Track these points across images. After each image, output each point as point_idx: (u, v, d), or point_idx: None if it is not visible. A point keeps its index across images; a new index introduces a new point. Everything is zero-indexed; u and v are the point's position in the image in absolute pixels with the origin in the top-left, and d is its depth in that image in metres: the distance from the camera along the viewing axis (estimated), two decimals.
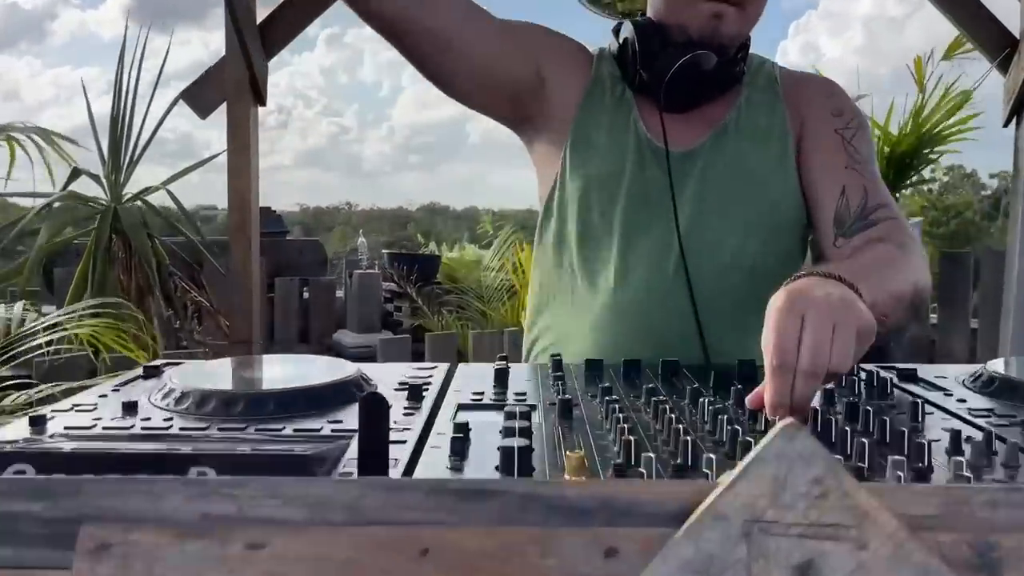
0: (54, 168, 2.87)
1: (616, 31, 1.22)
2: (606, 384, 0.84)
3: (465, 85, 1.17)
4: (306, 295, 4.52)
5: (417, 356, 2.98)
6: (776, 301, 0.75)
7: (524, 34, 1.20)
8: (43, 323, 1.97)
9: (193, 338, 2.94)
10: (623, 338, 1.12)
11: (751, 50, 1.22)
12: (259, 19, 3.03)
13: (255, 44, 2.96)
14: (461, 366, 1.04)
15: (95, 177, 2.77)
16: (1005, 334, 2.93)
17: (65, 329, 1.90)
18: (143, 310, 2.77)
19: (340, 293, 4.70)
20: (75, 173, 2.82)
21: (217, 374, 0.93)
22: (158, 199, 3.07)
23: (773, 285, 0.83)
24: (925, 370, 1.01)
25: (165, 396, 0.79)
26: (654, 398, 0.78)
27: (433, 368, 1.02)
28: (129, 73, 2.81)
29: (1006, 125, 2.94)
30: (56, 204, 2.68)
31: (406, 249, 5.13)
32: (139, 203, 2.82)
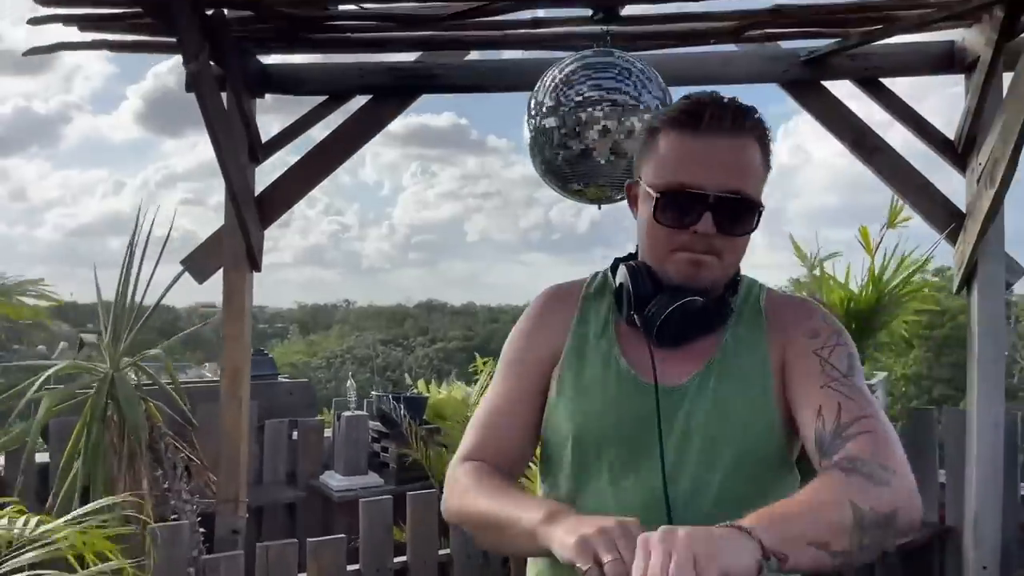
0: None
1: (614, 269, 1.29)
2: None
3: None
4: (295, 436, 4.55)
5: (398, 506, 3.00)
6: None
7: (530, 385, 1.31)
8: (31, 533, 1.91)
9: (181, 497, 2.97)
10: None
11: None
12: (257, 191, 3.21)
13: (252, 216, 3.11)
14: None
15: (95, 346, 2.88)
16: (970, 488, 3.00)
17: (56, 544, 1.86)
18: (133, 472, 2.82)
19: (328, 432, 4.73)
20: (81, 343, 2.94)
21: None
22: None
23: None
24: None
25: None
26: None
27: None
28: (133, 255, 2.94)
29: (958, 292, 3.09)
30: (63, 371, 2.78)
31: (394, 391, 5.17)
32: (135, 369, 2.91)
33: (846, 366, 1.17)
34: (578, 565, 0.93)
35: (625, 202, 1.35)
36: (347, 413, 4.54)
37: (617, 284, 1.26)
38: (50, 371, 2.73)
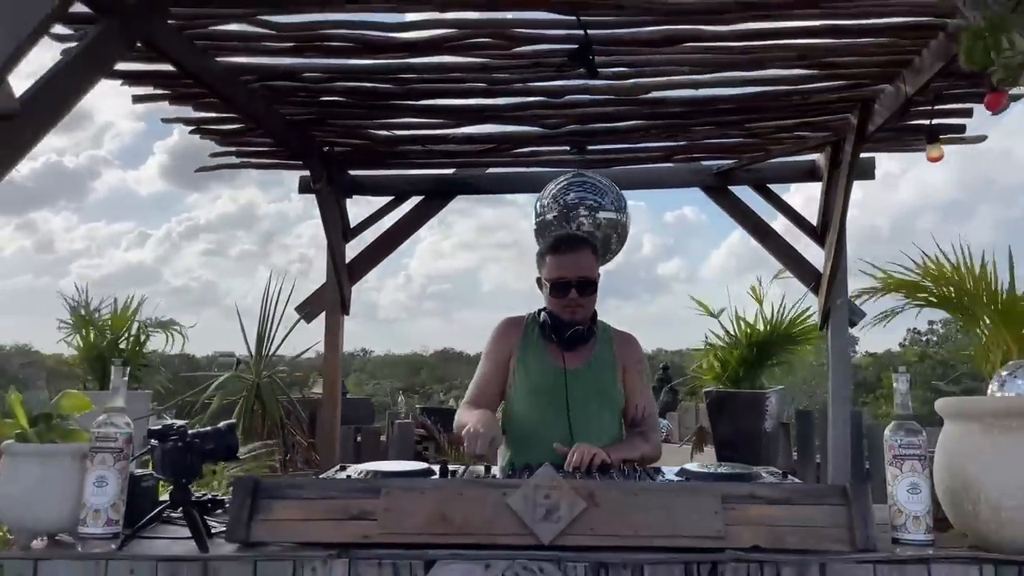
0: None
1: (539, 312, 2.50)
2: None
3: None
4: (359, 439, 5.77)
5: None
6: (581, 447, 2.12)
7: (495, 368, 2.49)
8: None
9: (297, 467, 4.18)
10: (546, 458, 2.18)
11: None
12: (348, 259, 4.48)
13: (344, 277, 4.38)
14: None
15: (246, 364, 4.14)
16: (830, 465, 4.15)
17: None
18: (269, 449, 4.05)
19: (384, 437, 5.94)
20: (237, 362, 4.20)
21: (369, 468, 2.20)
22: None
23: (606, 438, 2.22)
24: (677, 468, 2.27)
25: (357, 475, 2.07)
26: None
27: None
28: (269, 307, 4.25)
29: (821, 329, 4.29)
30: (225, 380, 4.04)
31: (430, 403, 6.39)
32: (272, 379, 4.17)
33: (647, 380, 2.52)
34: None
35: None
36: (399, 421, 5.75)
37: (542, 322, 2.47)
38: (218, 380, 3.99)
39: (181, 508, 1.72)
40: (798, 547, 1.61)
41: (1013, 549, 1.55)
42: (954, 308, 1.88)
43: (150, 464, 1.86)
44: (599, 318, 2.54)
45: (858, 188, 4.34)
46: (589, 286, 2.43)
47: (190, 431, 1.71)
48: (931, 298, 1.91)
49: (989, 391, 1.72)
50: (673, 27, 2.54)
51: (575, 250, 2.45)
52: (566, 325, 2.42)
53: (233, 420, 1.80)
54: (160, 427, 1.70)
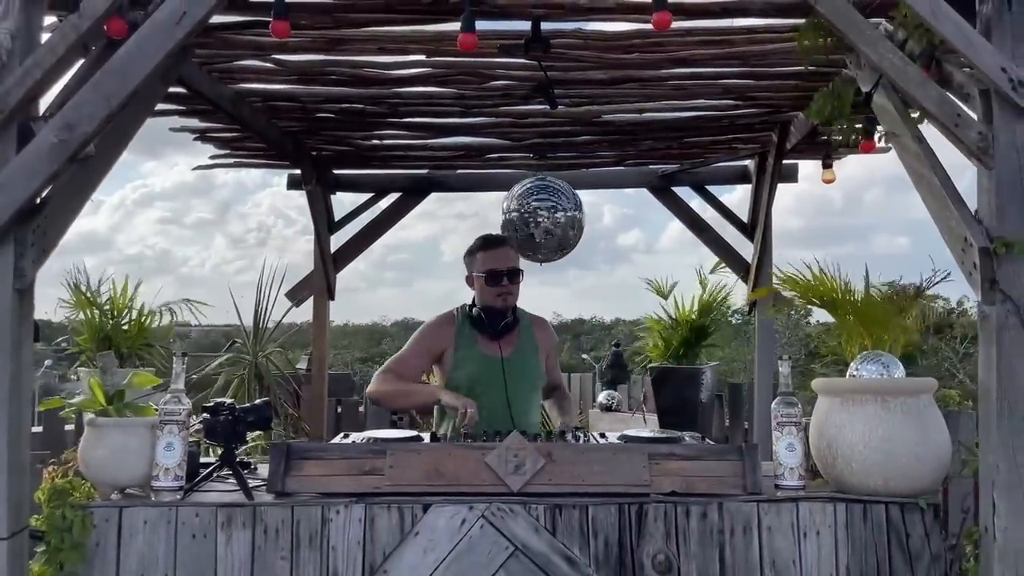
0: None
1: (470, 308, 2.88)
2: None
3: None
4: (339, 411, 6.17)
5: None
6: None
7: (425, 354, 2.87)
8: None
9: (290, 435, 4.58)
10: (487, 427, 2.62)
11: None
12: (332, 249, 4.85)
13: (330, 265, 4.74)
14: None
15: (243, 347, 4.51)
16: (756, 429, 4.68)
17: None
18: None
19: (361, 409, 6.35)
20: (232, 342, 4.55)
21: (369, 435, 2.63)
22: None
23: (535, 412, 2.73)
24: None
25: (364, 441, 2.50)
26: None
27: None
28: (263, 290, 4.61)
29: (748, 313, 4.80)
30: (226, 359, 4.41)
31: None
32: (267, 358, 4.55)
33: (557, 355, 2.98)
34: (458, 409, 2.54)
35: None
36: None
37: (475, 315, 2.85)
38: (220, 359, 4.36)
39: (229, 467, 2.13)
40: (705, 491, 2.08)
41: (860, 491, 2.05)
42: (830, 307, 2.35)
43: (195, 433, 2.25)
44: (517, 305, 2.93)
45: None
46: (517, 274, 2.84)
47: (238, 406, 2.12)
48: (814, 298, 2.37)
49: (848, 374, 2.20)
50: (617, 71, 2.96)
51: (502, 246, 2.88)
52: (498, 317, 2.80)
53: (267, 398, 2.22)
54: (213, 404, 2.11)
